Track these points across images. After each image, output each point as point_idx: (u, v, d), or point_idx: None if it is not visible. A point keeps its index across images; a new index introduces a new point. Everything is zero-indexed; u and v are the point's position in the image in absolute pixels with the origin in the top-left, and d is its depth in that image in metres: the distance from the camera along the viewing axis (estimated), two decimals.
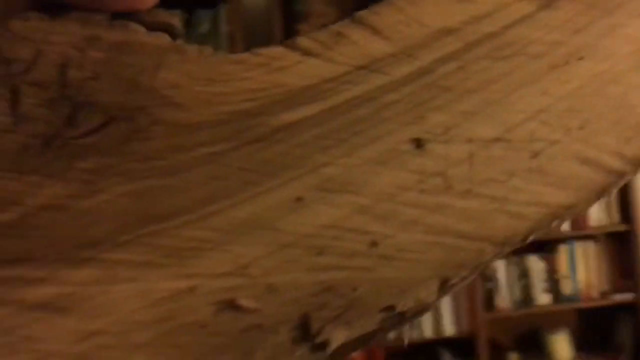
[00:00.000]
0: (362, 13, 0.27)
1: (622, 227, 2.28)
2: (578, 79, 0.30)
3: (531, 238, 0.28)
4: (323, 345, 0.23)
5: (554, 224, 0.28)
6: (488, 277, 2.31)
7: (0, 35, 0.20)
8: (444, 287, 0.25)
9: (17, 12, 0.21)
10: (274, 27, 1.06)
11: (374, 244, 0.25)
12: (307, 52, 0.25)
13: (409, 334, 2.07)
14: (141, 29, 0.22)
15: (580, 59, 0.30)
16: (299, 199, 0.24)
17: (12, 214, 0.20)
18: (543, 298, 2.29)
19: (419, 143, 0.26)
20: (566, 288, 2.28)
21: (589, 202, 0.29)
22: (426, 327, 2.23)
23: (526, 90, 0.28)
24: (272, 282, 0.23)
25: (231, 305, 0.23)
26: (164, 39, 0.23)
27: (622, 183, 0.30)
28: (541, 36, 0.29)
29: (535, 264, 2.28)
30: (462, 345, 2.19)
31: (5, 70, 0.21)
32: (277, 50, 0.25)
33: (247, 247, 0.23)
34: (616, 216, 2.32)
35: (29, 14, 0.21)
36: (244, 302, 0.23)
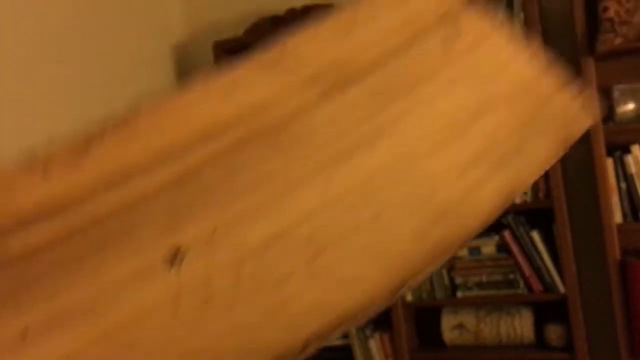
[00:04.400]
0: (122, 115, 0.25)
1: None
2: (368, 169, 0.28)
3: (312, 349, 0.26)
4: None
5: (340, 329, 0.26)
6: None
7: None
8: None
9: None
10: (576, 23, 0.94)
11: None
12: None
13: None
14: None
15: (371, 146, 0.29)
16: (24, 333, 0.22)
17: None
18: None
19: (175, 255, 0.24)
20: None
21: (382, 301, 0.27)
22: None
23: (309, 184, 0.27)
24: None
25: None
26: None
27: (421, 278, 0.29)
28: (326, 126, 0.28)
29: None
30: None
31: None
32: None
33: None
34: None
35: None
36: None
